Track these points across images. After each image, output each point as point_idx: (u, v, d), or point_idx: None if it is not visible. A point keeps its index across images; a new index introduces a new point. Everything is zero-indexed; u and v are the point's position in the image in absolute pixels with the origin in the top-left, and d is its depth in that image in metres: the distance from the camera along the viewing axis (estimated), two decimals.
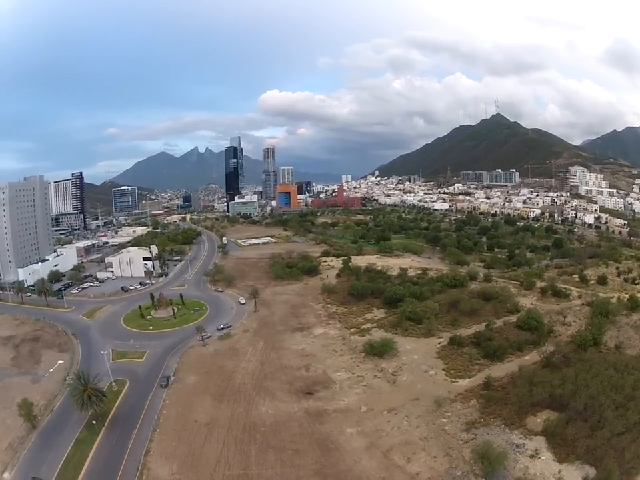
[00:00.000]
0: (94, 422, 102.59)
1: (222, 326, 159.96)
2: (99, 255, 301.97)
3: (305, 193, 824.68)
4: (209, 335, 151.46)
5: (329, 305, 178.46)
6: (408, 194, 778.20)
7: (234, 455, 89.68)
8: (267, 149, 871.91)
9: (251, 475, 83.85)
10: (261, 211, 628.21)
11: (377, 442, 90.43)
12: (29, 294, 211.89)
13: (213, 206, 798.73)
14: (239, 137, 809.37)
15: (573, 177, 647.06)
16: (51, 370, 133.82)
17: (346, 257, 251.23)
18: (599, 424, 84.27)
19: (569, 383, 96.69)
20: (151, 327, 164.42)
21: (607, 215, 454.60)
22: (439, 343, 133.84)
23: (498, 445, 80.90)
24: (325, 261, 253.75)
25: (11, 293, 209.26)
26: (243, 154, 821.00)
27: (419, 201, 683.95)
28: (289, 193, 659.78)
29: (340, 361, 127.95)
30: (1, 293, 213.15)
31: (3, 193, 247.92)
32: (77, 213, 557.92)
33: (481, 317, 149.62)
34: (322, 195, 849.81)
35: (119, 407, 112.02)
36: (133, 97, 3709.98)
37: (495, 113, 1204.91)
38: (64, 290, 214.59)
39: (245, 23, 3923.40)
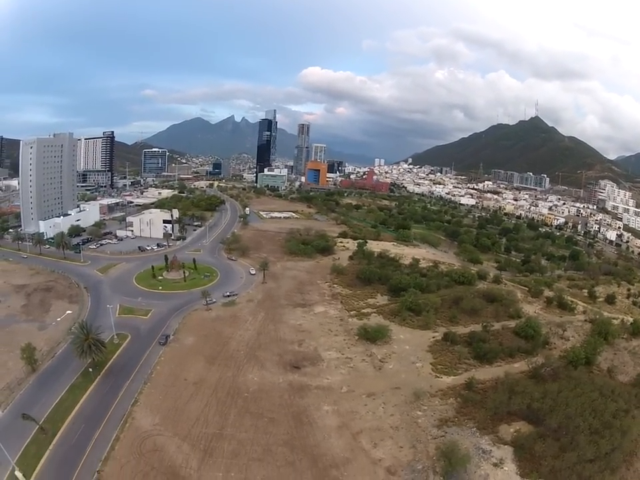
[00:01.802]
0: (90, 370, 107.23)
1: (228, 293, 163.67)
2: (122, 214, 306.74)
3: (335, 172, 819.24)
4: (214, 300, 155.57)
5: (335, 285, 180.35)
6: (437, 185, 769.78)
7: (214, 415, 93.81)
8: (302, 124, 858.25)
9: (225, 435, 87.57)
10: (290, 185, 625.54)
11: (349, 423, 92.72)
12: (47, 246, 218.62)
13: (242, 175, 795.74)
14: (274, 110, 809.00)
15: (601, 191, 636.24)
16: (59, 319, 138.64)
17: (362, 241, 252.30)
18: (569, 446, 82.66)
19: (549, 398, 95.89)
20: (160, 287, 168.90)
21: (630, 234, 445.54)
22: (433, 337, 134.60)
23: (464, 447, 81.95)
24: (341, 242, 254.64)
25: (30, 244, 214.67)
26: (279, 127, 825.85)
27: (447, 193, 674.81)
28: (319, 170, 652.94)
29: (333, 341, 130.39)
30: (20, 244, 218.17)
31: (31, 147, 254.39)
32: (104, 171, 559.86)
33: (481, 318, 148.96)
34: (352, 176, 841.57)
35: (117, 358, 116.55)
36: (172, 61, 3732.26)
37: (533, 116, 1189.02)
38: (82, 245, 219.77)
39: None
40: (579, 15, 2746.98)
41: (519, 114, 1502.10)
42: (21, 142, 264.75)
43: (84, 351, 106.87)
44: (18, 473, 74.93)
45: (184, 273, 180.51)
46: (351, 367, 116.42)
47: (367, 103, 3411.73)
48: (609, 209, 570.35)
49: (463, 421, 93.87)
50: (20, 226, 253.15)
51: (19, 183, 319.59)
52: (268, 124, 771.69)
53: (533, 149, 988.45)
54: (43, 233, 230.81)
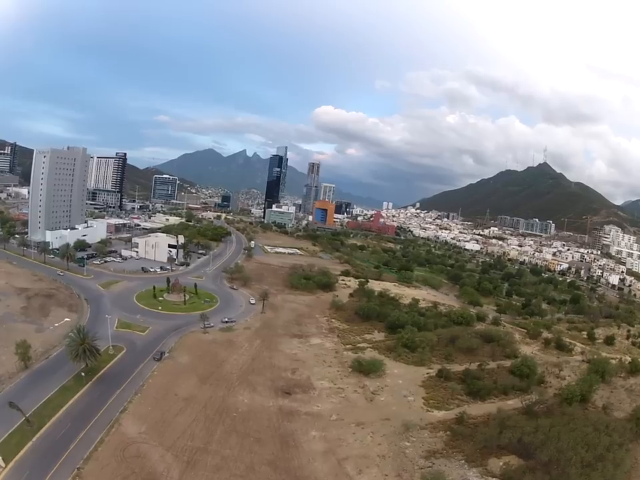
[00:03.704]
0: (83, 374, 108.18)
1: (227, 319, 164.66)
2: (128, 235, 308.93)
3: (343, 213, 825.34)
4: (212, 325, 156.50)
5: (333, 320, 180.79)
6: (443, 230, 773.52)
7: (200, 430, 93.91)
8: (313, 163, 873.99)
9: (209, 450, 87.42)
10: (297, 223, 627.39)
11: (335, 449, 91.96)
12: (52, 256, 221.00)
13: (250, 210, 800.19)
14: (285, 147, 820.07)
15: (606, 236, 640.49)
16: (57, 324, 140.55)
17: (364, 280, 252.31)
18: (560, 479, 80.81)
19: (541, 432, 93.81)
20: (160, 308, 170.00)
21: (633, 277, 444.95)
22: (427, 373, 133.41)
23: (450, 479, 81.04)
24: (342, 280, 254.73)
25: (35, 251, 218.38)
26: (289, 165, 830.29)
27: (452, 238, 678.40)
28: (326, 209, 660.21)
29: (326, 371, 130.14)
30: (25, 250, 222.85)
31: (45, 157, 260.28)
32: (114, 192, 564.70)
33: (477, 357, 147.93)
34: (359, 218, 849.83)
35: (110, 368, 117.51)
36: (189, 89, 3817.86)
37: (542, 162, 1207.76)
38: (87, 259, 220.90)
39: (310, 34, 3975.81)
40: (591, 56, 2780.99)
41: (528, 160, 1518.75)
42: (35, 150, 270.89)
43: (78, 354, 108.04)
44: None
45: (184, 296, 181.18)
46: (342, 396, 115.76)
47: (378, 145, 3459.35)
48: (613, 254, 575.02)
49: (451, 453, 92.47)
50: (26, 233, 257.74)
51: (28, 192, 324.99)
52: (279, 160, 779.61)
53: (540, 195, 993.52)
54: (48, 242, 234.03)
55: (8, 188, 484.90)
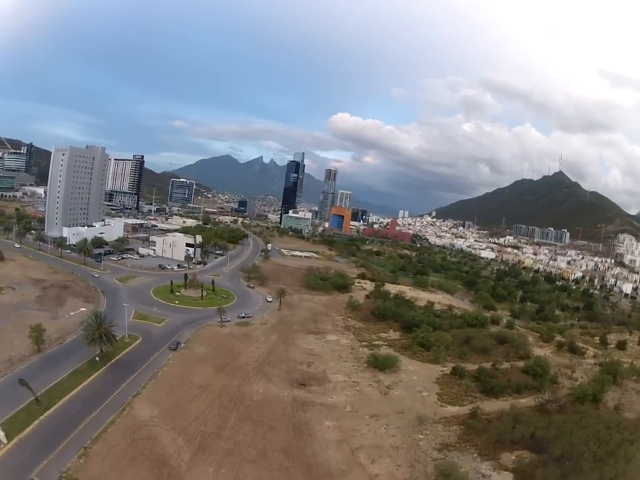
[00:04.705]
0: (97, 359, 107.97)
1: (243, 315, 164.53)
2: (145, 235, 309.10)
3: (359, 221, 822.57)
4: (229, 319, 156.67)
5: (349, 319, 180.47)
6: (459, 238, 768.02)
7: (214, 416, 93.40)
8: (329, 170, 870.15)
9: (222, 436, 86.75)
10: (313, 229, 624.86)
11: (349, 439, 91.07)
12: (68, 251, 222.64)
13: (267, 216, 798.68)
14: (303, 153, 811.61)
15: (620, 244, 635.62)
16: (72, 313, 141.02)
17: (379, 282, 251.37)
18: (572, 472, 79.39)
19: (553, 427, 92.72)
20: (177, 302, 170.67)
21: None
22: (442, 371, 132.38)
23: (464, 470, 79.64)
24: (359, 282, 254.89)
25: (51, 246, 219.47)
26: (305, 172, 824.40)
27: (468, 246, 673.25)
28: (343, 216, 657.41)
29: (342, 366, 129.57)
30: (41, 244, 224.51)
31: (63, 154, 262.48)
32: (131, 193, 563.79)
33: (491, 357, 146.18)
34: (375, 226, 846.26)
35: (125, 355, 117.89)
36: (205, 95, 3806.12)
37: (557, 171, 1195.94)
38: (104, 255, 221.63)
39: (326, 41, 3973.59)
40: (604, 61, 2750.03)
41: (544, 168, 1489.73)
42: (54, 148, 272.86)
43: (94, 339, 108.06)
44: (0, 431, 74.81)
45: (202, 291, 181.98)
46: (357, 389, 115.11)
47: (395, 153, 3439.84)
48: (627, 263, 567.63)
49: (464, 447, 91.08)
50: (42, 230, 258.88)
51: (44, 191, 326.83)
52: (296, 166, 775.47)
53: (556, 204, 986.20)
54: (65, 237, 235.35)
55: (24, 187, 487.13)
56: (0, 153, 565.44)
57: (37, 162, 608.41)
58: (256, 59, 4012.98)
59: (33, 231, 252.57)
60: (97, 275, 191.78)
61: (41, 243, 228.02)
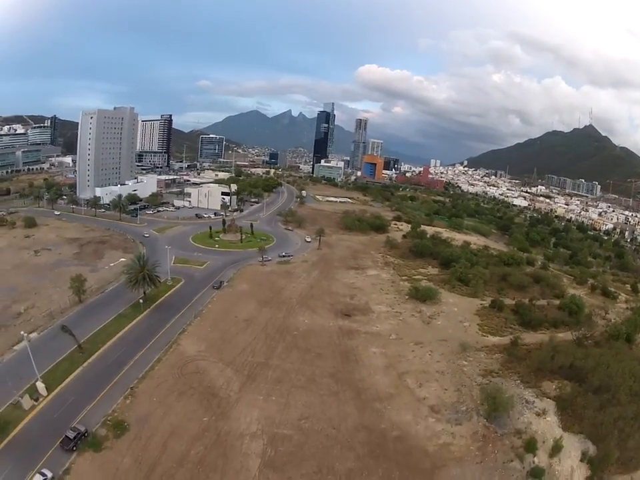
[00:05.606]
0: (141, 302, 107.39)
1: (284, 254, 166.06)
2: (179, 190, 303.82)
3: (391, 169, 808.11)
4: (270, 258, 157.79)
5: (388, 256, 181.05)
6: (491, 187, 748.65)
7: (261, 347, 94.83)
8: (360, 119, 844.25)
9: (270, 364, 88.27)
10: (345, 178, 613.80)
11: (395, 364, 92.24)
12: (103, 210, 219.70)
13: (299, 166, 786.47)
14: (332, 103, 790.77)
15: None
16: (112, 264, 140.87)
17: (416, 223, 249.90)
18: (610, 402, 79.66)
19: (591, 359, 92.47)
20: (216, 246, 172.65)
21: None
22: (481, 304, 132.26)
23: (509, 394, 79.82)
24: (395, 224, 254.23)
25: (85, 208, 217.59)
26: (335, 123, 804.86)
27: (501, 194, 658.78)
28: (375, 164, 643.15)
29: (384, 298, 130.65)
30: (75, 207, 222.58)
31: (92, 118, 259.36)
32: (161, 152, 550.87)
33: (527, 294, 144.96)
34: (408, 174, 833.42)
35: (169, 296, 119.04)
36: (229, 53, 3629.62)
37: (587, 124, 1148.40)
38: (140, 210, 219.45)
39: None
40: (632, 20, 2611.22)
41: (574, 121, 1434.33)
42: (81, 112, 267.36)
43: (137, 281, 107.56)
44: (40, 384, 73.57)
45: (241, 235, 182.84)
46: (400, 319, 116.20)
47: (424, 103, 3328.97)
48: None
49: (507, 374, 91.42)
50: (75, 193, 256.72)
51: (72, 160, 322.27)
52: (326, 116, 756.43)
53: (586, 157, 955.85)
54: (99, 197, 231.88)
55: (51, 158, 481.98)
56: (23, 129, 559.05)
57: (62, 133, 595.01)
58: (280, 14, 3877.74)
59: (64, 196, 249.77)
60: (147, 235, 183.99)
61: (74, 207, 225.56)
